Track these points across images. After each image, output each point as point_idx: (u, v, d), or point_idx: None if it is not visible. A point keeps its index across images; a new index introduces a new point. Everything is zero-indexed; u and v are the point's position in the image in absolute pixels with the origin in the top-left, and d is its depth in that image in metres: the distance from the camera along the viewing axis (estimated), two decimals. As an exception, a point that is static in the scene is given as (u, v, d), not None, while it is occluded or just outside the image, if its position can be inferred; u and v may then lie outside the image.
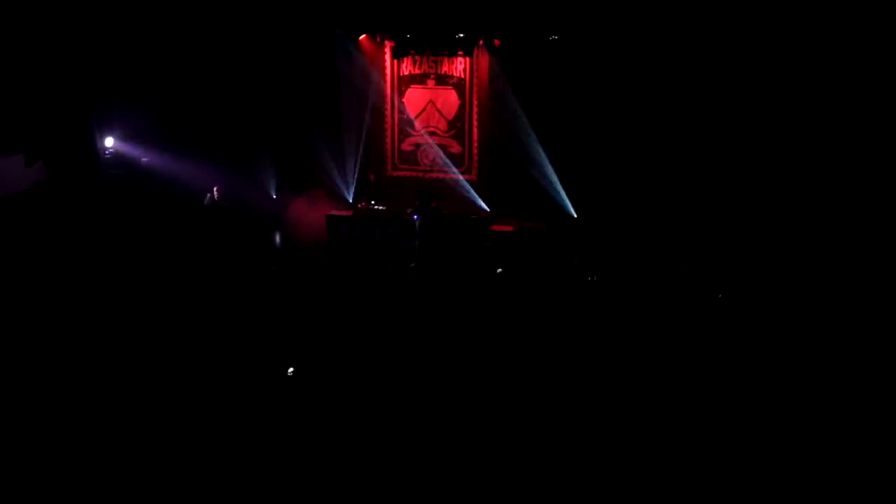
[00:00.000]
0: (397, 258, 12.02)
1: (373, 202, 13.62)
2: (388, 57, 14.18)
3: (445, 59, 13.97)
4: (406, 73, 14.22)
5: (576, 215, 13.18)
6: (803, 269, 10.71)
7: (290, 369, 8.22)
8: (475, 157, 14.28)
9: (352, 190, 14.11)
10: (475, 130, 14.16)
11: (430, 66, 14.10)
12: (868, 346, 8.61)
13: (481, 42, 13.55)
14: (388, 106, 14.43)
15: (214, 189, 12.18)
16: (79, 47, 12.25)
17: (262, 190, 14.06)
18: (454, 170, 14.30)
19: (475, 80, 13.93)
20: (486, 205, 13.69)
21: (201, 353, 8.61)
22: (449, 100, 14.13)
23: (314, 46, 13.66)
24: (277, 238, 13.30)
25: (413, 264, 11.47)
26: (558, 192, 13.29)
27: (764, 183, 11.98)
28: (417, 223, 12.00)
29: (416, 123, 14.38)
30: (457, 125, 14.24)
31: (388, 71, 14.26)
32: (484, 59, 13.78)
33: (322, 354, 8.72)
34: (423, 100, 14.25)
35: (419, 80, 14.20)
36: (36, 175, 12.24)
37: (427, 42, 13.77)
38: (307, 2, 13.12)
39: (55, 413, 7.33)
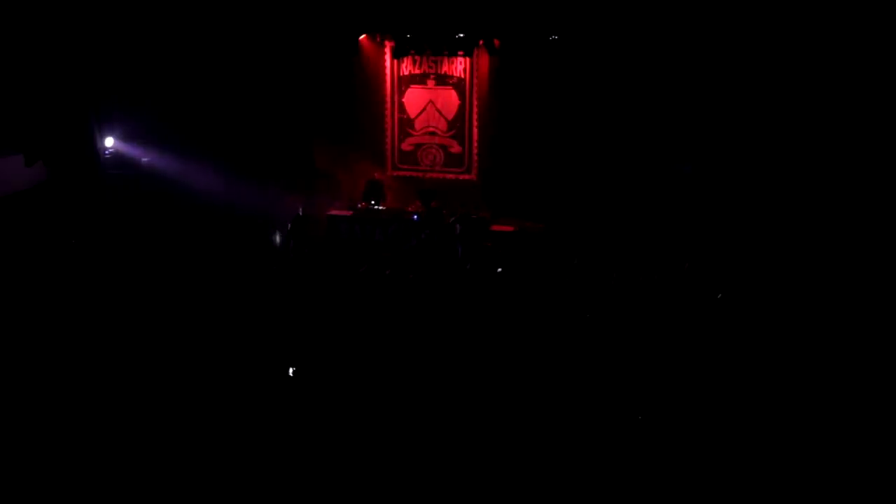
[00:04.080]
0: (396, 259, 12.02)
1: (373, 202, 13.62)
2: (388, 57, 14.18)
3: (445, 59, 13.96)
4: (406, 73, 14.21)
5: (576, 215, 13.16)
6: (804, 269, 10.71)
7: (292, 369, 8.23)
8: (475, 157, 14.28)
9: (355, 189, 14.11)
10: (475, 130, 14.16)
11: (430, 66, 14.09)
12: (868, 346, 8.62)
13: (481, 42, 13.54)
14: (388, 106, 14.42)
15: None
16: (79, 47, 12.25)
17: (263, 190, 14.04)
18: (454, 170, 14.29)
19: (475, 80, 13.93)
20: (486, 205, 13.69)
21: (202, 353, 8.61)
22: (449, 100, 14.13)
23: (314, 46, 13.66)
24: (277, 238, 13.28)
25: (411, 276, 11.44)
26: (558, 192, 13.27)
27: (765, 183, 11.99)
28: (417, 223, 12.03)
29: (416, 123, 14.37)
30: (457, 125, 14.23)
31: (388, 71, 14.25)
32: (484, 59, 13.77)
33: (323, 354, 8.72)
34: (423, 100, 14.24)
35: (419, 80, 14.19)
36: (36, 175, 12.24)
37: (427, 42, 13.77)
38: (307, 1, 13.10)
39: (55, 413, 7.33)
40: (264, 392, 7.83)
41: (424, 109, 14.29)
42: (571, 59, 12.91)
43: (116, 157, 13.31)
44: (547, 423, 7.31)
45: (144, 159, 13.50)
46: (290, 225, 12.37)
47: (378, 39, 14.07)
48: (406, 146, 14.54)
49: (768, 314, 9.50)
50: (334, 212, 13.73)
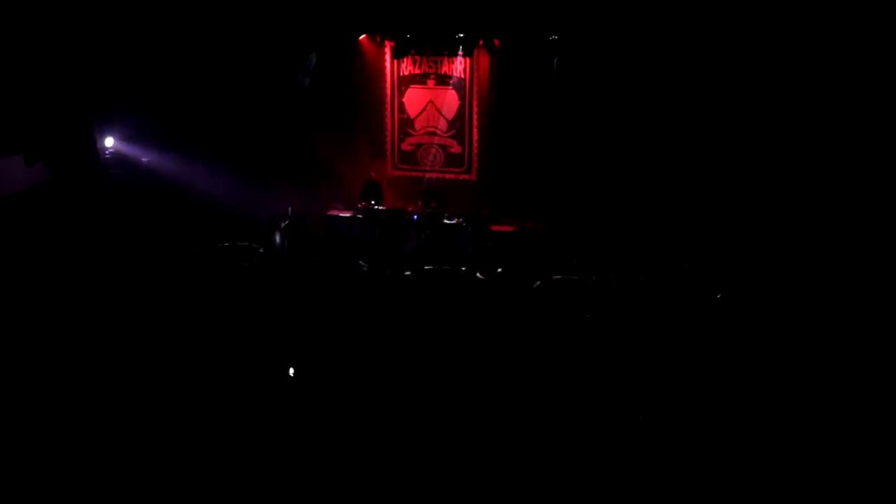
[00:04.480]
0: (396, 259, 12.03)
1: (373, 202, 13.62)
2: (388, 57, 14.18)
3: (445, 59, 13.97)
4: (406, 73, 14.22)
5: (576, 215, 13.17)
6: (803, 269, 10.72)
7: (291, 370, 8.24)
8: (475, 157, 14.28)
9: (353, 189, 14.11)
10: (475, 130, 14.16)
11: (430, 66, 14.10)
12: (868, 346, 8.63)
13: (481, 42, 13.54)
14: (388, 106, 14.43)
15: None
16: (79, 47, 12.24)
17: (263, 190, 14.04)
18: (454, 170, 14.31)
19: (475, 80, 13.93)
20: (487, 205, 13.69)
21: (202, 353, 8.62)
22: (449, 100, 14.13)
23: (314, 46, 13.68)
24: (277, 238, 13.28)
25: (408, 273, 11.46)
26: (558, 192, 13.28)
27: (764, 182, 11.99)
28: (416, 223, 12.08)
29: (416, 123, 14.38)
30: (457, 125, 14.24)
31: (388, 71, 14.26)
32: (484, 59, 13.78)
33: (323, 355, 8.73)
34: (423, 100, 14.24)
35: (419, 80, 14.19)
36: (36, 175, 12.23)
37: (427, 42, 13.77)
38: (308, 1, 13.11)
39: (55, 413, 7.33)
40: (264, 392, 7.84)
41: (424, 109, 14.29)
42: (571, 58, 12.92)
43: (116, 157, 13.32)
44: (547, 422, 7.31)
45: (144, 159, 13.51)
46: (282, 224, 12.42)
47: (378, 39, 14.08)
48: (406, 146, 14.55)
49: (768, 314, 9.51)
50: (333, 212, 13.74)
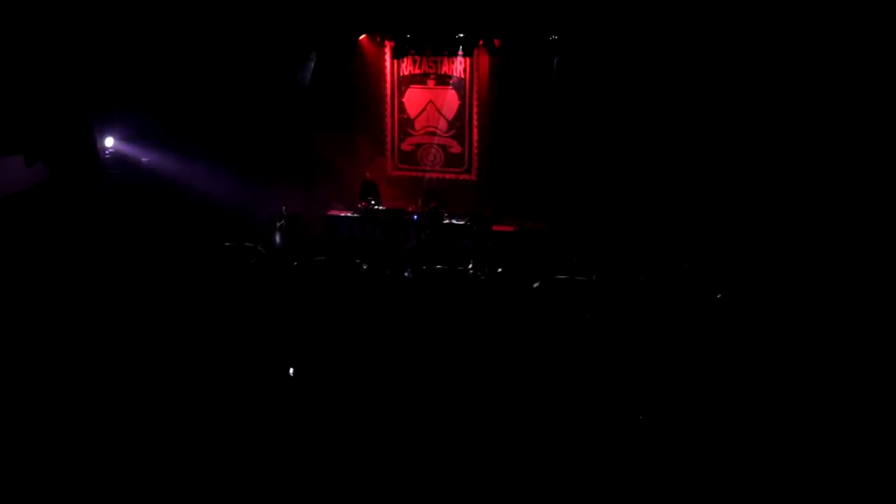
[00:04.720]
0: (396, 259, 12.04)
1: (373, 202, 13.63)
2: (388, 57, 14.19)
3: (445, 59, 13.98)
4: (406, 73, 14.23)
5: (576, 215, 13.18)
6: (803, 269, 10.72)
7: (291, 369, 8.24)
8: (475, 157, 14.29)
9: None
10: (475, 130, 14.17)
11: (430, 66, 14.11)
12: (868, 346, 8.63)
13: (481, 42, 13.56)
14: (388, 106, 14.43)
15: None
16: (79, 47, 12.24)
17: (262, 189, 14.05)
18: (454, 170, 14.31)
19: (475, 80, 13.94)
20: (487, 205, 13.70)
21: (202, 353, 8.62)
22: (449, 100, 14.14)
23: (314, 45, 13.69)
24: (277, 238, 13.29)
25: (407, 272, 11.46)
26: (558, 192, 13.28)
27: (764, 182, 11.99)
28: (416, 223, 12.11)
29: (416, 123, 14.39)
30: (457, 125, 14.25)
31: (388, 71, 14.27)
32: (484, 59, 13.79)
33: (323, 355, 8.73)
34: (423, 100, 14.25)
35: (419, 80, 14.21)
36: (36, 175, 12.23)
37: (427, 42, 13.79)
38: (308, 1, 13.11)
39: (54, 414, 7.33)
40: (264, 392, 7.84)
41: (424, 109, 14.30)
42: (571, 58, 12.93)
43: (116, 157, 13.33)
44: (547, 423, 7.31)
45: (144, 159, 13.52)
46: (278, 224, 12.44)
47: (378, 39, 14.09)
48: (406, 146, 14.56)
49: (768, 314, 9.51)
50: (333, 212, 13.75)
